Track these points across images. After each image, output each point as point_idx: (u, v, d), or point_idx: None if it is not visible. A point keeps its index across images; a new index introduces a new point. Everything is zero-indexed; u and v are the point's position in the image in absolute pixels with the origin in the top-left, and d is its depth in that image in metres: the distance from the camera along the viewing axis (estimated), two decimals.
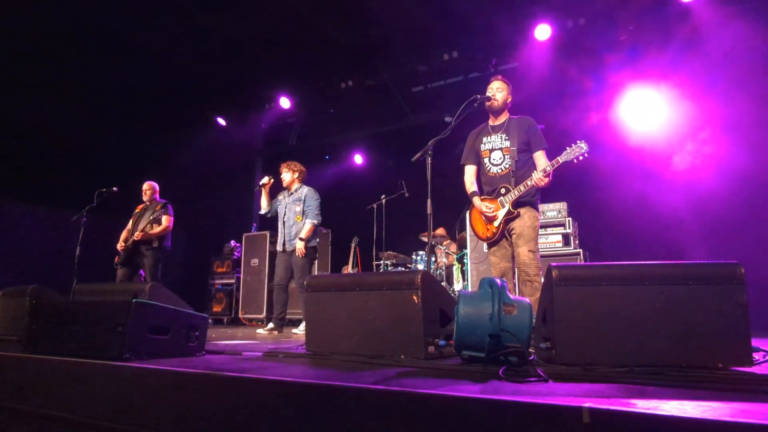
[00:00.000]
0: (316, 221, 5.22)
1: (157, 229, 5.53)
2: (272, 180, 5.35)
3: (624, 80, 6.61)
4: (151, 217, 5.49)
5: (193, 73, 8.40)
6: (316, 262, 7.37)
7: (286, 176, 5.39)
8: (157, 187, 5.96)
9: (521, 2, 6.40)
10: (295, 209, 5.26)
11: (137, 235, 5.45)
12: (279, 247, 5.27)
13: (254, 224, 9.16)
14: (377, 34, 7.43)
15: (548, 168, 3.29)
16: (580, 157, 3.29)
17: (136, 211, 5.84)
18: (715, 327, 1.85)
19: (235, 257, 8.48)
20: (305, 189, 5.35)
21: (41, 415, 2.10)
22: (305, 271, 5.10)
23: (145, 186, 5.86)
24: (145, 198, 5.84)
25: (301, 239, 5.06)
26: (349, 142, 9.20)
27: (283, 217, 5.30)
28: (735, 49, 5.76)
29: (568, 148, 3.31)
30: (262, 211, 5.38)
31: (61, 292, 3.75)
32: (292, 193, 5.37)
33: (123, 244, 5.56)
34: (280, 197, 5.44)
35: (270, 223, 8.94)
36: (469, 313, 1.99)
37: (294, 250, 5.10)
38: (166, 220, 5.61)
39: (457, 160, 3.77)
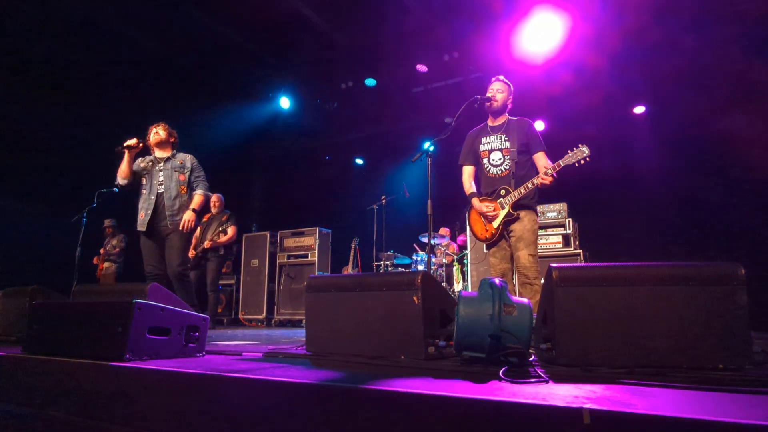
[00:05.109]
0: (209, 193, 4.47)
1: (223, 238, 6.24)
2: (141, 143, 4.30)
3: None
4: (219, 228, 6.20)
5: (193, 73, 8.42)
6: (316, 261, 7.37)
7: (162, 132, 4.36)
8: (223, 199, 6.60)
9: (521, 2, 6.40)
10: (178, 178, 4.29)
11: (206, 244, 6.13)
12: (142, 227, 4.20)
13: (254, 225, 9.17)
14: (378, 34, 7.45)
15: (550, 171, 3.29)
16: (582, 161, 3.27)
17: (204, 220, 6.41)
18: (715, 327, 1.85)
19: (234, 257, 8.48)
20: (189, 156, 4.45)
21: (42, 415, 2.10)
22: (184, 255, 4.26)
23: (213, 198, 6.44)
24: (213, 209, 6.49)
25: (193, 210, 4.20)
26: (349, 142, 9.21)
27: (157, 189, 4.25)
28: None
29: (569, 151, 3.30)
30: (123, 181, 4.23)
31: (61, 293, 3.74)
32: (169, 159, 4.34)
33: (193, 251, 6.15)
34: (143, 164, 4.35)
35: (268, 223, 8.99)
36: (469, 313, 1.99)
37: (176, 228, 4.15)
38: (231, 230, 6.33)
39: (458, 160, 3.77)
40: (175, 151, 4.44)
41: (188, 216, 4.17)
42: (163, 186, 4.27)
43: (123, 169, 4.22)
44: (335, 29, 7.23)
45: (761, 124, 5.89)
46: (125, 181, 4.24)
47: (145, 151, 4.43)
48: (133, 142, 4.24)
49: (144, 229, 4.17)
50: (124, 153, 4.22)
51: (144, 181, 4.30)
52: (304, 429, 1.53)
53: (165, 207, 4.22)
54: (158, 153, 4.38)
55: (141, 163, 4.36)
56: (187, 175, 4.37)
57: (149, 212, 4.18)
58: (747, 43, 5.91)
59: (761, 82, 5.87)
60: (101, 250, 7.76)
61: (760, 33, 5.80)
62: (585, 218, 6.17)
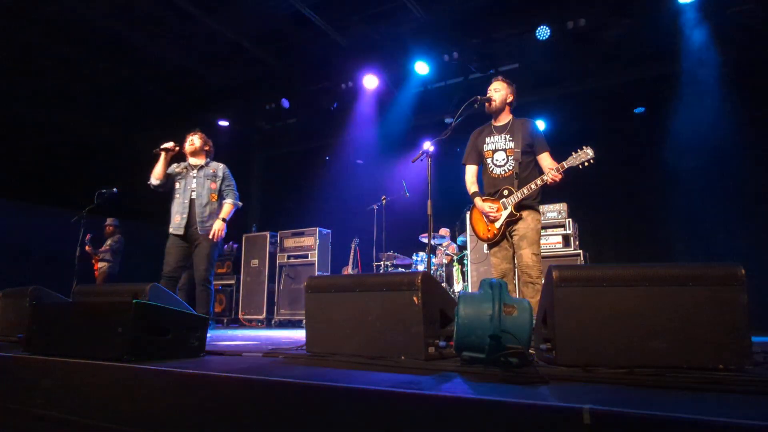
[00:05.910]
0: (240, 203, 4.56)
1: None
2: (178, 147, 4.44)
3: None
4: None
5: (193, 74, 8.42)
6: (316, 262, 7.36)
7: (197, 141, 4.51)
8: None
9: (521, 2, 6.40)
10: (209, 186, 4.42)
11: None
12: (178, 230, 4.28)
13: (254, 225, 9.16)
14: (378, 34, 7.45)
15: (554, 171, 3.27)
16: (586, 164, 3.24)
17: None
18: (715, 328, 1.85)
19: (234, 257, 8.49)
20: (221, 165, 4.58)
21: (41, 415, 2.10)
22: (212, 263, 4.32)
23: None
24: None
25: (223, 219, 4.33)
26: (349, 142, 9.20)
27: (191, 195, 4.37)
28: None
29: (573, 153, 3.28)
30: (156, 181, 4.34)
31: (61, 293, 3.74)
32: (203, 167, 4.47)
33: None
34: (178, 169, 4.49)
35: (268, 223, 8.99)
36: (469, 314, 1.99)
37: (206, 235, 4.26)
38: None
39: (458, 161, 3.76)
40: (209, 160, 4.55)
41: (218, 226, 4.28)
42: (195, 192, 4.39)
43: (158, 170, 4.34)
44: (335, 29, 7.23)
45: (764, 125, 5.89)
46: (158, 182, 4.35)
47: (181, 156, 4.55)
48: (170, 145, 4.37)
49: (182, 233, 4.26)
50: (160, 155, 4.33)
51: (177, 186, 4.42)
52: (304, 429, 1.53)
53: (196, 213, 4.33)
54: (192, 160, 4.50)
55: (176, 168, 4.49)
56: (218, 183, 4.48)
57: (185, 216, 4.29)
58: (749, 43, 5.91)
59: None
60: (87, 248, 7.59)
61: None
62: (585, 218, 6.17)
